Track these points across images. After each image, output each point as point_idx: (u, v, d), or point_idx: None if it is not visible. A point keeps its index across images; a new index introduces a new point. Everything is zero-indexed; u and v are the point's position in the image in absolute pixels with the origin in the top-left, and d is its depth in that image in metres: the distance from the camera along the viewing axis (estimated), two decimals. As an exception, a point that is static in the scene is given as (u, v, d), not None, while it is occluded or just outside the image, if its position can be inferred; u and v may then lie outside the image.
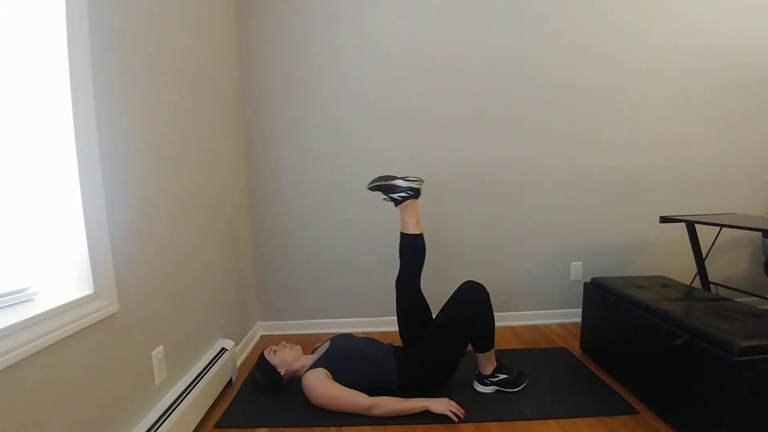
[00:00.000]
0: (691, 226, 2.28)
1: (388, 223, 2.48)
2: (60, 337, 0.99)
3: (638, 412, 1.63)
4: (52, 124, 1.08)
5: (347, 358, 1.74)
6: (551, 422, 1.58)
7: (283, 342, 1.88)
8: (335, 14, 2.39)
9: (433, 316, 1.87)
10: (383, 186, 1.85)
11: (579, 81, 2.47)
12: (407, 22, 2.40)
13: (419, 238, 1.87)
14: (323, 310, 2.60)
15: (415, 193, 1.85)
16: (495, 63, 2.44)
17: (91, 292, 1.14)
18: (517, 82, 2.46)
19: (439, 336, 1.74)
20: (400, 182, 1.83)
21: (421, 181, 1.86)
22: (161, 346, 1.45)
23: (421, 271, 1.88)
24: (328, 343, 1.86)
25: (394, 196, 1.85)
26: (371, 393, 1.66)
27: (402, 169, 2.44)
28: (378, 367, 1.72)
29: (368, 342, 1.85)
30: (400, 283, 1.87)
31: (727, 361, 1.29)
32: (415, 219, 1.86)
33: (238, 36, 2.39)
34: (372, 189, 1.88)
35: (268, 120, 2.46)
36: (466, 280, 1.82)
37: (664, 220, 2.21)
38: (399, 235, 1.90)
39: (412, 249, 1.87)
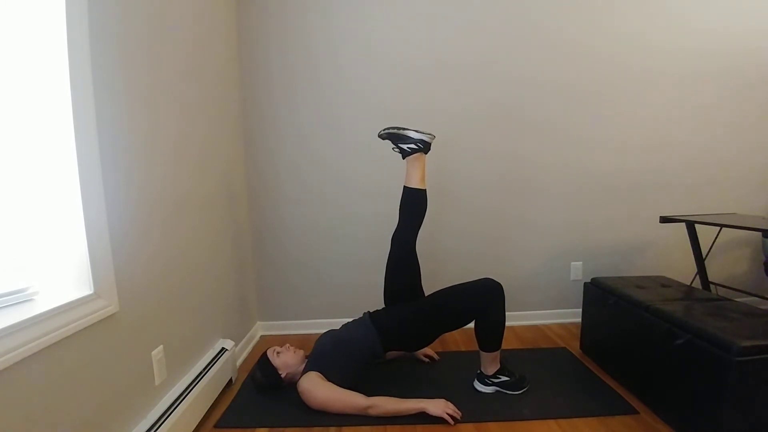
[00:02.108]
0: (691, 226, 2.27)
1: (391, 220, 2.48)
2: (60, 337, 0.99)
3: (638, 412, 1.63)
4: (52, 124, 1.08)
5: (331, 351, 1.75)
6: (551, 422, 1.58)
7: (288, 345, 1.88)
8: (335, 13, 2.39)
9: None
10: (394, 134, 1.83)
11: (580, 82, 2.47)
12: (407, 20, 2.40)
13: (422, 193, 1.84)
14: (324, 309, 2.60)
15: (425, 147, 1.82)
16: (497, 63, 2.44)
17: (91, 292, 1.14)
18: (517, 83, 2.46)
19: (435, 311, 1.76)
20: (411, 133, 1.81)
21: (433, 136, 1.83)
22: (161, 346, 1.45)
23: (419, 227, 1.87)
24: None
25: (404, 146, 1.83)
26: (364, 372, 1.70)
27: (401, 166, 2.44)
28: (360, 344, 1.75)
29: (344, 327, 1.86)
30: (396, 238, 1.86)
31: (727, 361, 1.29)
32: (420, 173, 1.83)
33: (238, 34, 2.39)
34: (382, 137, 1.87)
35: (268, 118, 2.46)
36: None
37: (664, 220, 2.21)
38: (402, 189, 1.87)
39: (414, 203, 1.85)
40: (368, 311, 1.88)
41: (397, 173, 2.47)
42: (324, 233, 2.54)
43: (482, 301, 1.73)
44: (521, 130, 2.50)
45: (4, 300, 1.00)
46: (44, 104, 1.07)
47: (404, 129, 1.82)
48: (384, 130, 1.85)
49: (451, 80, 2.45)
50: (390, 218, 2.47)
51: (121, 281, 1.24)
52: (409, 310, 1.79)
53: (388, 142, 1.88)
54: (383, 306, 1.91)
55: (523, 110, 2.48)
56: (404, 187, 1.86)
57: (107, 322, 1.18)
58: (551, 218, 2.57)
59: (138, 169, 1.36)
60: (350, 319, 2.59)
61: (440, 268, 2.55)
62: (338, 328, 1.90)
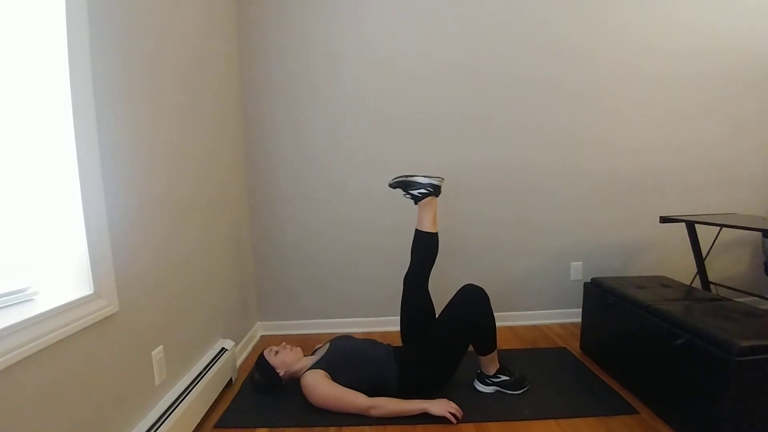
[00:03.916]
0: (691, 226, 2.28)
1: (388, 224, 2.49)
2: (60, 337, 0.99)
3: (638, 412, 1.63)
4: (52, 124, 1.08)
5: (346, 359, 1.74)
6: (551, 422, 1.58)
7: (284, 343, 1.88)
8: (335, 16, 2.39)
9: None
10: (403, 182, 1.86)
11: (579, 83, 2.47)
12: (407, 24, 2.40)
13: (434, 236, 1.86)
14: (323, 310, 2.60)
15: (436, 191, 1.85)
16: (495, 65, 2.44)
17: (91, 292, 1.14)
18: (516, 84, 2.46)
19: (440, 338, 1.73)
20: (420, 179, 1.84)
21: (442, 179, 1.86)
22: (161, 346, 1.45)
23: (430, 269, 1.88)
24: (327, 345, 1.85)
25: (414, 192, 1.85)
26: (371, 394, 1.66)
27: (402, 169, 2.45)
28: (377, 368, 1.72)
29: (368, 343, 1.85)
30: (408, 280, 1.87)
31: (727, 361, 1.29)
32: (432, 217, 1.85)
33: (238, 37, 2.39)
34: (393, 186, 1.89)
35: (268, 122, 2.46)
36: (467, 283, 1.82)
37: (664, 220, 2.21)
38: (414, 232, 1.89)
39: (426, 247, 1.86)
40: (391, 345, 1.85)
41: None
42: (323, 235, 2.54)
43: (472, 312, 1.71)
44: (521, 131, 2.50)
45: (4, 300, 1.00)
46: (44, 104, 1.07)
47: (413, 176, 1.86)
48: (393, 179, 1.89)
49: (451, 84, 2.44)
50: (388, 223, 2.48)
51: (121, 281, 1.24)
52: (425, 351, 1.75)
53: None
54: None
55: (522, 112, 2.48)
56: (416, 230, 1.89)
57: (107, 322, 1.18)
58: (551, 218, 2.57)
59: (138, 170, 1.36)
60: (348, 319, 2.61)
61: (441, 268, 2.54)
62: (360, 338, 1.90)
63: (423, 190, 1.84)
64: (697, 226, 2.28)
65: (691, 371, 1.43)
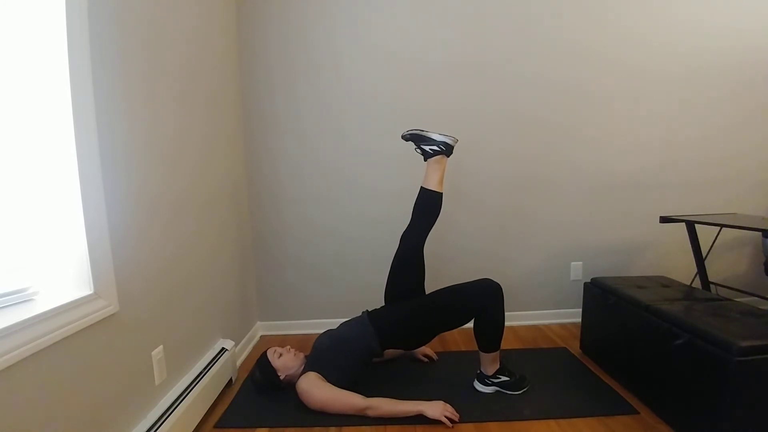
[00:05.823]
0: (691, 226, 2.27)
1: (390, 221, 2.49)
2: (60, 337, 0.99)
3: (638, 412, 1.63)
4: (52, 125, 1.08)
5: (329, 351, 1.75)
6: (551, 422, 1.58)
7: (288, 347, 1.88)
8: (336, 11, 2.39)
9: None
10: (417, 136, 1.86)
11: (580, 81, 2.47)
12: (408, 18, 2.40)
13: (439, 196, 1.86)
14: (324, 309, 2.60)
15: (447, 150, 1.84)
16: (497, 62, 2.44)
17: (91, 292, 1.14)
18: (518, 82, 2.46)
19: (434, 311, 1.76)
20: (434, 135, 1.84)
21: (456, 139, 1.85)
22: (161, 346, 1.45)
23: (430, 229, 1.88)
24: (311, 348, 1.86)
25: (426, 148, 1.85)
26: (363, 371, 1.72)
27: (405, 162, 2.45)
28: (359, 344, 1.75)
29: (343, 326, 1.86)
30: (406, 237, 1.87)
31: (727, 361, 1.29)
32: (440, 176, 1.85)
33: (238, 33, 2.39)
34: (406, 138, 1.89)
35: (269, 117, 2.46)
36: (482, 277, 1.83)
37: (664, 220, 2.21)
38: (419, 190, 1.89)
39: (429, 205, 1.86)
40: (367, 310, 1.88)
41: (398, 174, 2.48)
42: (324, 233, 2.54)
43: (481, 301, 1.73)
44: (520, 129, 2.50)
45: (4, 300, 1.00)
46: (44, 104, 1.07)
47: (427, 131, 1.85)
48: (408, 131, 1.88)
49: (450, 79, 2.44)
50: (391, 218, 2.48)
51: (121, 281, 1.24)
52: (408, 308, 1.79)
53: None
54: (383, 304, 1.91)
55: (523, 110, 2.48)
56: (421, 187, 1.88)
57: (107, 322, 1.18)
58: (551, 218, 2.57)
59: (138, 169, 1.36)
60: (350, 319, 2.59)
61: (441, 266, 2.55)
62: (336, 327, 1.90)
63: (435, 147, 1.83)
64: (697, 226, 2.28)
65: (691, 371, 1.43)
